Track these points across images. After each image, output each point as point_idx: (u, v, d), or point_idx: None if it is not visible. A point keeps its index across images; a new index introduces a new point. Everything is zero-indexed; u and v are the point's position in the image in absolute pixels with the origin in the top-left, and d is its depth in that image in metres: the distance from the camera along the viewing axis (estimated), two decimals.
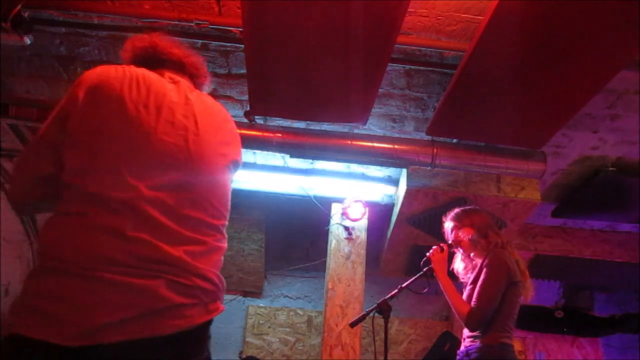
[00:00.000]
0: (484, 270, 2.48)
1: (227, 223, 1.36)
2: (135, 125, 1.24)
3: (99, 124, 1.24)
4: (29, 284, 1.15)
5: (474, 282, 2.53)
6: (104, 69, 1.33)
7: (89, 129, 1.24)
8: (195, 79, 1.52)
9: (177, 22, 2.77)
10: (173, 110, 1.31)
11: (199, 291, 1.20)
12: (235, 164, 1.43)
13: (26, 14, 2.70)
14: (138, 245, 1.15)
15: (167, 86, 1.36)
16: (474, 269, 2.62)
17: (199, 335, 1.21)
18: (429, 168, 3.54)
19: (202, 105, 1.38)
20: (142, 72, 1.35)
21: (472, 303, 2.46)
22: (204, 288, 1.21)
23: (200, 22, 2.74)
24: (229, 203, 1.37)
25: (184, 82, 1.43)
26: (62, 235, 1.16)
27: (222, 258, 1.34)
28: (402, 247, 4.42)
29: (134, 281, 1.12)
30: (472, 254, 2.64)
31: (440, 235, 2.85)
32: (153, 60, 1.46)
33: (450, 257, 2.72)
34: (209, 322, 1.24)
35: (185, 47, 1.54)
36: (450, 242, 2.72)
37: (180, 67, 1.48)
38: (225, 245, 1.34)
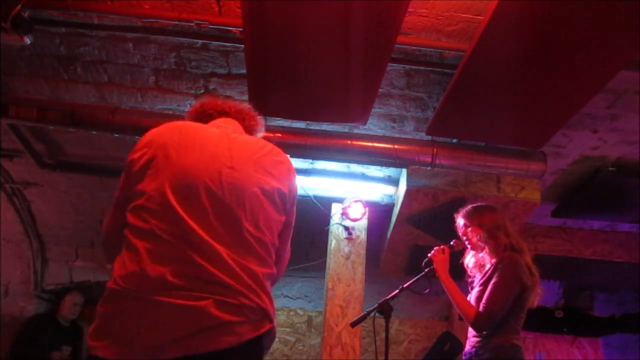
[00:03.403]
0: (497, 273, 2.46)
1: (273, 249, 1.46)
2: (176, 165, 1.43)
3: (151, 169, 1.44)
4: (101, 308, 1.31)
5: (484, 283, 2.50)
6: (156, 129, 1.56)
7: (143, 174, 1.44)
8: (243, 122, 1.74)
9: (177, 22, 2.77)
10: (211, 148, 1.49)
11: (247, 310, 1.32)
12: (280, 192, 1.51)
13: (26, 14, 2.70)
14: (190, 268, 1.29)
15: (210, 131, 1.57)
16: (480, 267, 2.62)
17: (250, 350, 1.33)
18: (429, 168, 3.54)
19: (242, 144, 1.56)
20: (185, 123, 1.60)
21: (481, 306, 2.44)
22: (252, 307, 1.33)
23: (200, 22, 2.74)
24: (274, 228, 1.48)
25: (229, 127, 1.65)
26: (127, 264, 1.33)
27: (271, 283, 1.46)
28: (402, 247, 4.42)
29: (186, 303, 1.26)
30: (480, 254, 2.64)
31: (440, 235, 2.85)
32: (204, 116, 1.73)
33: (452, 257, 2.71)
34: (259, 338, 1.34)
35: (233, 100, 1.82)
36: (452, 243, 2.71)
37: (227, 114, 1.73)
38: (273, 270, 1.45)
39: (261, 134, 1.82)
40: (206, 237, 1.33)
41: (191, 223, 1.34)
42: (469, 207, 2.74)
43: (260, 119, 1.82)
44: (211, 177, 1.42)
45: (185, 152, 1.45)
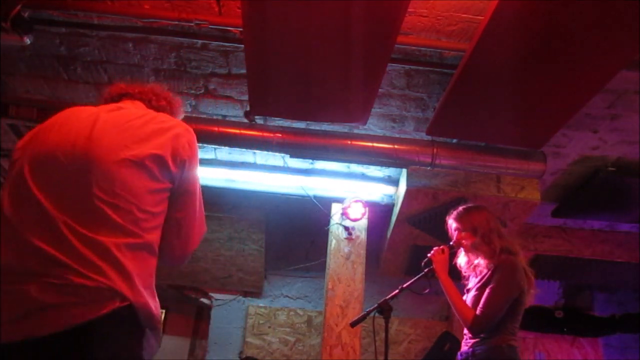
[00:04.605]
0: (496, 277, 2.46)
1: (142, 216, 1.36)
2: (37, 144, 1.43)
3: (21, 156, 1.46)
4: None
5: (481, 287, 2.51)
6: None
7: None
8: (149, 103, 1.67)
9: (177, 22, 2.77)
10: (74, 124, 1.47)
11: (80, 290, 1.23)
12: (155, 158, 1.43)
13: (26, 14, 2.70)
14: (25, 250, 1.25)
15: (84, 110, 1.54)
16: (476, 268, 2.62)
17: (92, 334, 1.23)
18: (429, 168, 3.54)
19: (113, 117, 1.50)
20: (68, 108, 1.56)
21: (478, 309, 2.44)
22: (87, 286, 1.23)
23: (200, 22, 2.74)
24: (143, 195, 1.39)
25: (110, 106, 1.60)
26: None
27: (142, 254, 1.35)
28: (402, 247, 4.42)
29: (12, 287, 1.22)
30: (475, 260, 2.64)
31: (440, 235, 2.85)
32: (110, 100, 1.68)
33: (452, 257, 2.71)
34: (104, 320, 1.23)
35: (146, 83, 1.76)
36: (451, 243, 2.71)
37: (131, 96, 1.67)
38: (143, 240, 1.35)
39: (179, 115, 1.73)
40: (50, 209, 1.29)
41: (39, 195, 1.31)
42: (460, 209, 2.73)
43: (173, 99, 1.73)
44: (64, 149, 1.39)
45: (50, 132, 1.45)
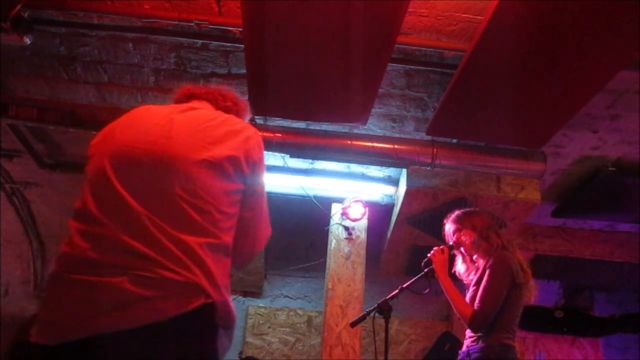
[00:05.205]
0: (487, 272, 2.49)
1: (220, 217, 1.38)
2: (116, 142, 1.46)
3: (97, 152, 1.50)
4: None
5: (477, 283, 2.53)
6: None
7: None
8: (215, 103, 1.70)
9: (177, 22, 2.77)
10: (151, 122, 1.49)
11: (170, 284, 1.24)
12: (231, 159, 1.45)
13: (26, 14, 2.70)
14: (112, 243, 1.26)
15: (158, 109, 1.58)
16: (476, 270, 2.63)
17: (180, 328, 1.23)
18: (429, 168, 3.55)
19: (188, 117, 1.53)
20: (140, 107, 1.61)
21: (475, 305, 2.46)
22: (177, 281, 1.25)
23: (200, 22, 2.74)
24: (221, 196, 1.41)
25: (181, 106, 1.62)
26: (62, 247, 1.34)
27: (220, 255, 1.36)
28: (402, 247, 4.42)
29: (101, 279, 1.23)
30: (474, 257, 2.65)
31: (440, 236, 2.85)
32: (177, 102, 1.72)
33: (451, 259, 2.72)
34: (192, 315, 1.24)
35: (214, 86, 1.80)
36: (451, 243, 2.72)
37: (198, 97, 1.70)
38: (221, 240, 1.37)
39: (244, 116, 1.75)
40: (135, 206, 1.30)
41: (123, 192, 1.33)
42: (458, 212, 2.76)
43: (238, 100, 1.76)
44: (145, 148, 1.41)
45: (127, 130, 1.47)
